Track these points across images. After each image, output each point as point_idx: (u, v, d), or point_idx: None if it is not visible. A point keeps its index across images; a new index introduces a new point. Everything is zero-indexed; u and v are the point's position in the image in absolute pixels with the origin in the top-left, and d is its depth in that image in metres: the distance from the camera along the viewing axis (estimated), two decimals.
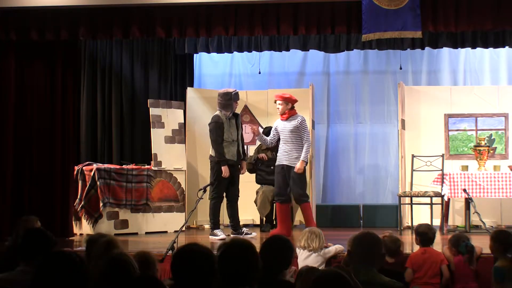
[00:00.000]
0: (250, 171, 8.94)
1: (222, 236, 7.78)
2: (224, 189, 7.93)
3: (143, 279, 3.01)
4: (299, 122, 7.79)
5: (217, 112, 7.99)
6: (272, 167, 8.77)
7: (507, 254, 5.14)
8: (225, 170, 7.80)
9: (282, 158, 7.85)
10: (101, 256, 3.78)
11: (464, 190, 7.39)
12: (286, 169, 7.79)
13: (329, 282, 2.81)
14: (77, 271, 2.96)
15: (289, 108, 7.87)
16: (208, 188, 7.34)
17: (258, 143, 9.42)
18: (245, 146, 9.56)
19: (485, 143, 8.73)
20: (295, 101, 7.95)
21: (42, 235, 4.04)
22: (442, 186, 8.34)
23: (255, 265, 3.08)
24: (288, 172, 7.78)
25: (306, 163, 7.84)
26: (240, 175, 8.26)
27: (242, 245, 3.15)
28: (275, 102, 7.94)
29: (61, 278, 2.91)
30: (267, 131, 9.00)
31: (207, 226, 8.92)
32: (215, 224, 7.92)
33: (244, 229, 8.08)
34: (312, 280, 2.92)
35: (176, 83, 10.03)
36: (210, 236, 7.87)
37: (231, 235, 7.90)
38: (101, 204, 8.21)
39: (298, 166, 7.67)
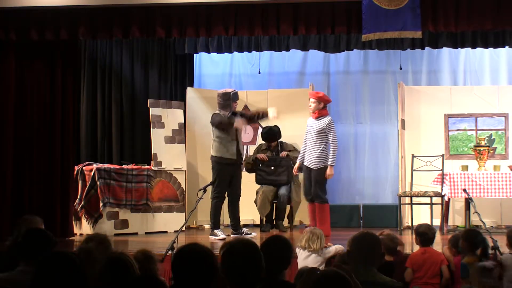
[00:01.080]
0: (250, 171, 8.95)
1: (222, 236, 7.78)
2: (225, 188, 7.93)
3: (144, 279, 3.01)
4: (326, 124, 7.89)
5: (217, 111, 8.03)
6: (272, 167, 8.78)
7: (475, 252, 5.27)
8: (238, 122, 7.87)
9: (305, 157, 8.04)
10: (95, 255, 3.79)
11: (464, 190, 7.39)
12: (308, 170, 7.96)
13: (329, 282, 2.81)
14: (76, 271, 2.97)
15: (321, 108, 7.98)
16: (209, 188, 7.34)
17: (258, 143, 9.43)
18: (246, 146, 9.58)
19: (485, 143, 8.73)
20: (328, 101, 8.11)
21: (42, 235, 4.04)
22: (442, 186, 8.34)
23: (258, 265, 3.08)
24: (309, 172, 7.94)
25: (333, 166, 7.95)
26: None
27: (245, 245, 3.15)
28: (309, 100, 8.04)
29: (61, 278, 2.91)
30: (266, 131, 9.02)
31: (207, 226, 8.93)
32: (215, 224, 7.92)
33: (244, 229, 8.08)
34: (312, 280, 2.92)
35: (176, 83, 10.03)
36: (210, 236, 7.87)
37: (231, 235, 7.90)
38: (101, 204, 8.22)
39: (328, 172, 7.83)
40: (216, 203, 7.92)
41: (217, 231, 7.84)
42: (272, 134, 8.96)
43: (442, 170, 8.55)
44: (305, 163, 8.00)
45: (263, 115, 8.21)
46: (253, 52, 9.63)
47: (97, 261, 3.62)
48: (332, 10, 7.42)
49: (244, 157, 9.18)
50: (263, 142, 9.13)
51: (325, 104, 8.01)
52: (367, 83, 10.16)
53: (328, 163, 7.84)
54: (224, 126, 7.86)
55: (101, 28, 7.71)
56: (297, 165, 8.23)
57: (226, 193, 7.99)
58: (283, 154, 8.89)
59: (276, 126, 9.01)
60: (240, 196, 8.05)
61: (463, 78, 10.01)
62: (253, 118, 8.30)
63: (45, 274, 2.93)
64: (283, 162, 8.81)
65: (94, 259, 3.74)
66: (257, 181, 8.89)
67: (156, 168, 8.81)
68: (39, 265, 2.98)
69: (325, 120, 7.92)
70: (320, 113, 7.95)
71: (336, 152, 7.91)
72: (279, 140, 9.08)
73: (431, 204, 8.29)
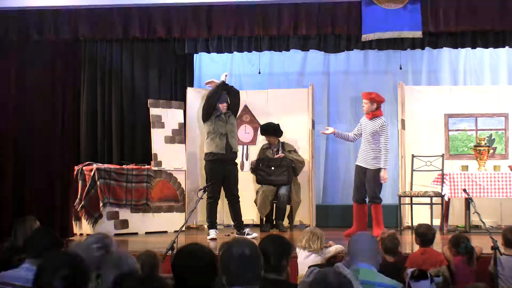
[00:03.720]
0: (253, 171, 8.98)
1: (213, 236, 7.79)
2: (218, 189, 7.91)
3: (148, 279, 3.00)
4: (379, 126, 7.93)
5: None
6: (272, 168, 8.78)
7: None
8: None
9: (360, 158, 8.07)
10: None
11: (464, 190, 7.38)
12: (362, 170, 7.97)
13: (329, 282, 2.81)
14: (78, 271, 2.97)
15: (374, 108, 8.02)
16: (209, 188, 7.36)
17: (258, 143, 9.42)
18: (246, 146, 9.58)
19: (485, 143, 8.73)
20: (381, 101, 8.12)
21: (50, 235, 4.08)
22: (442, 186, 8.33)
23: (257, 265, 3.08)
24: (363, 173, 7.96)
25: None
26: (240, 175, 8.27)
27: (243, 245, 3.15)
28: (362, 101, 8.12)
29: (63, 278, 2.91)
30: (265, 124, 9.04)
31: (206, 226, 8.93)
32: (209, 224, 7.94)
33: (246, 230, 8.03)
34: (312, 279, 2.93)
35: (176, 83, 10.03)
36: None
37: (236, 235, 7.89)
38: (101, 204, 8.22)
39: (383, 176, 7.87)
40: (209, 203, 7.92)
41: (210, 231, 7.86)
42: (270, 127, 8.98)
43: (442, 170, 8.55)
44: (359, 163, 8.05)
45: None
46: (253, 52, 9.62)
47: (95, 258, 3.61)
48: (332, 10, 7.42)
49: (241, 155, 9.19)
50: (265, 142, 9.14)
51: (378, 105, 8.04)
52: (367, 83, 10.15)
53: (381, 166, 7.88)
54: (210, 99, 7.96)
55: (101, 28, 7.72)
56: (332, 129, 8.40)
57: (221, 193, 7.98)
58: (280, 155, 8.87)
59: (277, 124, 9.04)
60: (237, 196, 8.02)
61: (463, 78, 10.02)
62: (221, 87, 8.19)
63: (46, 274, 2.93)
64: (283, 162, 8.81)
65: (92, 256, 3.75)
66: (257, 181, 8.90)
67: (156, 168, 8.81)
68: (41, 265, 2.98)
69: (379, 122, 7.96)
70: (374, 114, 8.01)
71: (388, 154, 7.96)
72: (281, 141, 9.07)
73: (431, 204, 8.29)
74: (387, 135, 7.99)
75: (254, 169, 8.95)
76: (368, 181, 7.94)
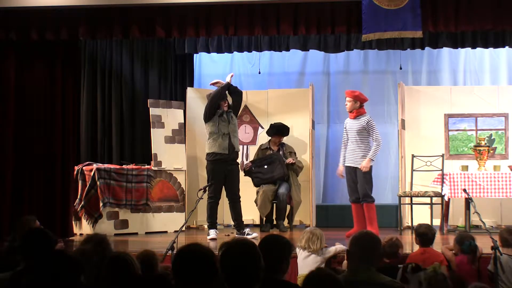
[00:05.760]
0: (246, 174, 8.96)
1: (213, 236, 7.79)
2: (219, 189, 7.90)
3: (155, 279, 2.99)
4: (366, 122, 7.90)
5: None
6: (265, 166, 8.77)
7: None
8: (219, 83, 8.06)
9: (349, 159, 8.01)
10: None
11: (464, 190, 7.39)
12: (352, 170, 7.93)
13: (321, 282, 2.82)
14: (76, 270, 2.97)
15: (358, 107, 8.00)
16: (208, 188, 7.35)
17: (258, 143, 9.43)
18: (246, 146, 9.57)
19: (485, 143, 8.73)
20: (365, 100, 8.09)
21: (43, 235, 4.06)
22: (442, 186, 8.34)
23: (257, 265, 3.08)
24: (354, 173, 7.92)
25: (373, 161, 7.90)
26: (240, 175, 8.26)
27: (243, 245, 3.15)
28: (345, 99, 8.09)
29: (61, 277, 2.92)
30: (278, 124, 8.99)
31: (207, 226, 8.93)
32: (210, 224, 7.94)
33: (246, 230, 8.02)
34: (304, 279, 2.93)
35: (176, 83, 10.03)
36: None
37: (236, 235, 7.89)
38: (101, 204, 8.22)
39: (363, 164, 7.78)
40: (210, 204, 7.91)
41: (210, 231, 7.85)
42: (283, 127, 8.98)
43: (442, 170, 8.56)
44: (348, 164, 7.99)
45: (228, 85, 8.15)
46: (253, 52, 9.64)
47: (94, 262, 3.62)
48: (332, 10, 7.42)
49: (241, 155, 9.18)
50: (264, 142, 9.13)
51: (361, 103, 8.02)
52: (367, 83, 10.16)
53: (368, 156, 7.82)
54: (214, 99, 7.92)
55: (101, 28, 7.72)
56: (340, 168, 8.21)
57: (222, 193, 7.98)
58: (289, 160, 8.86)
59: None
60: (239, 196, 8.01)
61: (463, 78, 10.02)
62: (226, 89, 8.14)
63: (44, 274, 2.93)
64: (274, 157, 8.82)
65: (91, 260, 3.74)
66: (255, 184, 8.85)
67: (156, 168, 8.81)
68: (39, 264, 2.98)
69: (365, 119, 7.93)
70: (358, 112, 7.99)
71: (379, 149, 7.90)
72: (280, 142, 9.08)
73: (431, 204, 8.29)
74: (377, 129, 7.94)
75: (248, 172, 8.91)
76: (359, 180, 7.90)
